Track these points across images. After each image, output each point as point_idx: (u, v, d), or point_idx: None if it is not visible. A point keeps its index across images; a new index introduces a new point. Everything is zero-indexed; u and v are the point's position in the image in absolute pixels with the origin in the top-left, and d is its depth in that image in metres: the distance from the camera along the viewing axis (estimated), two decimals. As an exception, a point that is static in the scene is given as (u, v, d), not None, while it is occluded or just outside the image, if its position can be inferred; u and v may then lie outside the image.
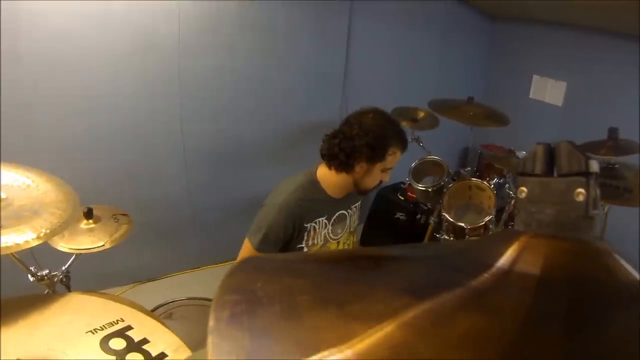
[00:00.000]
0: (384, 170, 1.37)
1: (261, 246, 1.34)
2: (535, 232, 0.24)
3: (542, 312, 0.20)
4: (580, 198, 0.22)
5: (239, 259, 1.39)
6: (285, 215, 1.32)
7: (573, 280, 0.21)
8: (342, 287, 0.24)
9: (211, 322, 0.21)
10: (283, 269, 0.27)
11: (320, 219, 1.41)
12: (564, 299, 0.21)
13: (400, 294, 0.22)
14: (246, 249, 1.40)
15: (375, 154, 1.31)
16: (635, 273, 0.22)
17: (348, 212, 1.51)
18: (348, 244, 1.58)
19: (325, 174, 1.39)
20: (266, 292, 0.23)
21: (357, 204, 1.54)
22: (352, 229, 1.57)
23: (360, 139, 1.30)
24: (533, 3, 2.77)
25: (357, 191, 1.43)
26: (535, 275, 0.21)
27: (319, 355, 0.18)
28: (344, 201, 1.46)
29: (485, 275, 0.22)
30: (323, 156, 1.38)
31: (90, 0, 1.88)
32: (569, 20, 2.81)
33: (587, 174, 0.22)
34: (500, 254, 0.23)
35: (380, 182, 1.42)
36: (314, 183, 1.39)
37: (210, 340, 0.20)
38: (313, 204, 1.37)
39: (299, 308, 0.22)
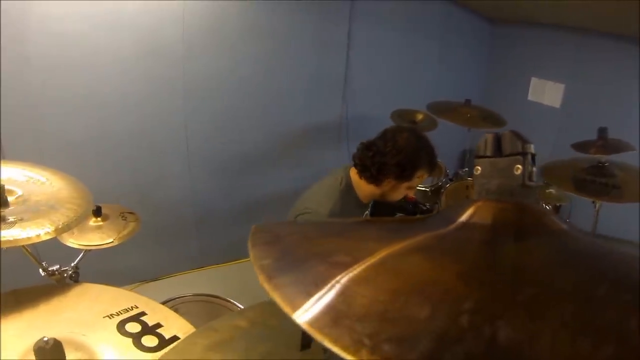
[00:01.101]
0: (409, 188, 1.43)
1: None
2: (485, 198, 0.31)
3: (495, 242, 0.28)
4: (518, 172, 0.29)
5: None
6: None
7: (515, 226, 0.29)
8: (341, 228, 0.35)
9: (250, 245, 0.31)
10: (295, 223, 0.37)
11: None
12: (510, 237, 0.29)
13: (387, 233, 0.31)
14: None
15: (404, 174, 1.37)
16: (559, 222, 0.30)
17: (368, 212, 1.60)
18: None
19: (358, 181, 1.44)
20: (286, 232, 0.34)
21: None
22: None
23: (392, 157, 1.35)
24: (531, 6, 2.82)
25: (382, 200, 1.49)
26: (488, 224, 0.30)
27: (330, 259, 0.28)
28: (368, 204, 1.55)
29: (450, 226, 0.31)
30: (355, 165, 1.44)
31: (97, 1, 1.94)
32: (567, 23, 2.85)
33: (524, 154, 0.29)
34: (461, 214, 0.31)
35: (406, 196, 1.48)
36: (350, 190, 1.44)
37: (251, 253, 0.30)
38: (351, 210, 1.43)
39: (311, 237, 0.33)
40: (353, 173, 1.45)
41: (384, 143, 1.38)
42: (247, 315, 0.49)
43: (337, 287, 0.25)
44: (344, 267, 0.26)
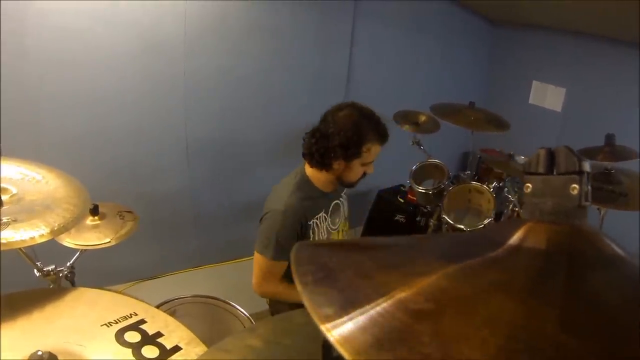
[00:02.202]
0: (364, 165, 1.37)
1: (277, 255, 1.33)
2: (538, 219, 0.28)
3: (547, 272, 0.26)
4: (575, 192, 0.27)
5: (256, 275, 1.40)
6: (292, 218, 1.33)
7: (571, 252, 0.27)
8: (394, 258, 0.30)
9: (300, 287, 0.26)
10: (337, 249, 0.33)
11: (320, 214, 1.44)
12: (564, 265, 0.26)
13: (438, 260, 0.28)
14: (262, 264, 1.37)
15: (350, 152, 1.32)
16: (615, 247, 0.28)
17: (341, 201, 1.55)
18: (345, 230, 1.63)
19: (312, 172, 1.41)
20: (336, 264, 0.29)
21: (345, 191, 1.58)
22: (346, 215, 1.62)
23: (333, 138, 1.30)
24: (534, 8, 2.81)
25: (343, 185, 1.46)
26: (542, 249, 0.27)
27: (406, 306, 0.24)
28: (336, 192, 1.50)
29: (499, 250, 0.27)
30: (304, 155, 1.40)
31: (97, -1, 1.91)
32: (569, 27, 2.85)
33: (580, 172, 0.27)
34: (510, 236, 0.28)
35: (365, 174, 1.42)
36: (306, 182, 1.41)
37: (305, 298, 0.25)
38: (312, 201, 1.40)
39: (368, 271, 0.28)
40: (307, 165, 1.42)
41: (326, 125, 1.33)
42: (259, 333, 0.45)
43: (428, 344, 0.21)
44: (427, 315, 0.22)
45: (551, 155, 0.29)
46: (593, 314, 0.23)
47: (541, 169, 0.29)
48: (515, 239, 0.27)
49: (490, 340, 0.21)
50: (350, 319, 0.23)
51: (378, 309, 0.23)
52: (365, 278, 0.27)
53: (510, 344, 0.21)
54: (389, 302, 0.23)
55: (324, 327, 0.22)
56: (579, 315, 0.22)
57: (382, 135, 1.36)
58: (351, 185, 1.44)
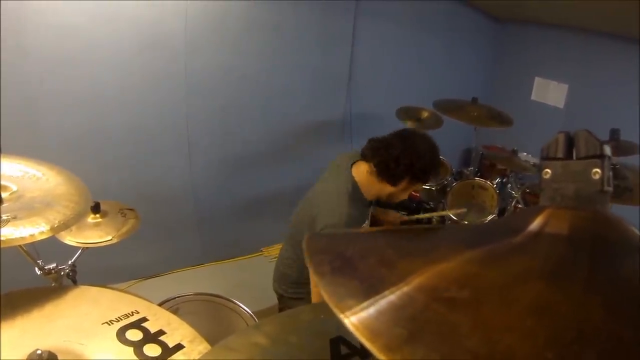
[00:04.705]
0: (414, 190, 1.47)
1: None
2: (559, 205, 0.27)
3: (572, 258, 0.24)
4: (597, 177, 0.26)
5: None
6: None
7: (594, 238, 0.26)
8: (415, 245, 0.29)
9: (317, 278, 0.23)
10: (352, 238, 0.31)
11: (366, 224, 1.48)
12: (587, 250, 0.25)
13: (459, 246, 0.26)
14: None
15: (422, 178, 1.37)
16: (636, 230, 0.27)
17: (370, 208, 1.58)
18: None
19: (363, 179, 1.40)
20: (354, 252, 0.27)
21: None
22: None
23: (417, 161, 1.33)
24: (537, 6, 2.79)
25: (387, 200, 1.48)
26: (564, 235, 0.26)
27: (418, 281, 0.21)
28: (372, 201, 1.52)
29: (519, 236, 0.26)
30: (377, 164, 1.37)
31: (98, -2, 1.90)
32: (571, 23, 2.83)
33: (601, 156, 0.26)
34: (530, 222, 0.27)
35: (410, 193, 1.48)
36: (357, 190, 1.40)
37: (323, 290, 0.22)
38: (361, 211, 1.41)
39: (390, 259, 0.26)
40: (358, 172, 1.41)
41: (404, 145, 1.35)
42: (265, 331, 0.44)
43: (470, 336, 0.19)
44: (463, 304, 0.20)
45: (570, 140, 0.28)
46: (633, 300, 0.21)
47: (560, 154, 0.28)
48: (535, 225, 0.26)
49: (538, 331, 0.19)
50: (376, 310, 0.20)
51: (405, 298, 0.21)
52: (387, 266, 0.25)
53: (560, 334, 0.19)
54: (417, 290, 0.22)
55: (346, 320, 0.20)
56: (621, 301, 0.21)
57: (436, 175, 1.51)
58: (392, 203, 1.53)
